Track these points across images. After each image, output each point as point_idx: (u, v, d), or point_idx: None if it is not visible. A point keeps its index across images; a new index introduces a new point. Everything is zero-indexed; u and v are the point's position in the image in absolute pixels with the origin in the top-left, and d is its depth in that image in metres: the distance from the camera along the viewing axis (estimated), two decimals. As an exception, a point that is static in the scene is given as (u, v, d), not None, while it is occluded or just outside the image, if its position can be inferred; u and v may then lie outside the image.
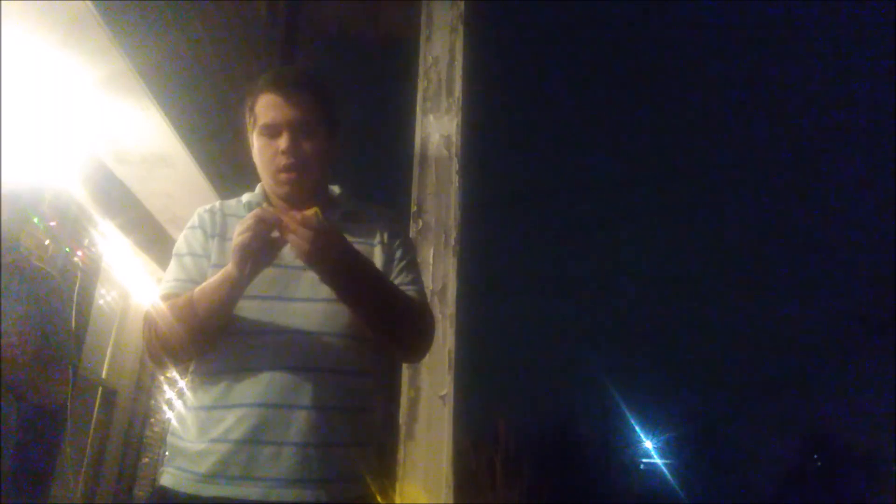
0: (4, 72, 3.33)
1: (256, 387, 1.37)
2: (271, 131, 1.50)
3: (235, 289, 1.37)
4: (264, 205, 1.56)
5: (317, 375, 1.38)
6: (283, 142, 1.49)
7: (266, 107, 1.50)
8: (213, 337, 1.40)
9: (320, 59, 8.64)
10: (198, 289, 1.40)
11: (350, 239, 1.49)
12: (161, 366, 1.47)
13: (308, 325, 1.41)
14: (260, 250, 1.33)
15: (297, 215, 1.34)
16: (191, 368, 1.46)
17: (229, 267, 1.36)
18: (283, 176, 1.51)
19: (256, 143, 1.53)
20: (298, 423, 1.35)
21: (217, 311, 1.37)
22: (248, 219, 1.33)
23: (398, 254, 1.56)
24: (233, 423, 1.35)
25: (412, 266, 1.59)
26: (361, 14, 7.74)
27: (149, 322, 1.43)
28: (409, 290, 1.52)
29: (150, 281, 5.22)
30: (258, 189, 1.61)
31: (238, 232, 1.33)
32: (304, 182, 1.52)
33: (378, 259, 1.53)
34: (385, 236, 1.57)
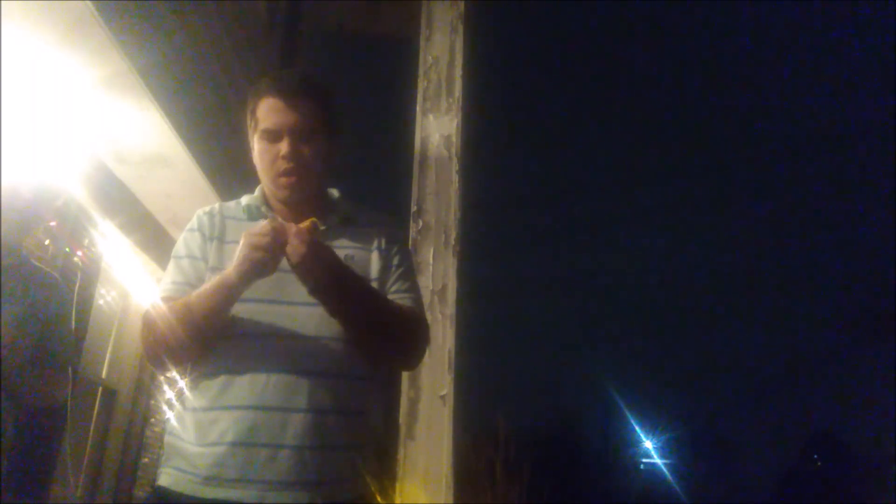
0: (4, 72, 3.33)
1: (253, 389, 1.37)
2: (272, 136, 1.50)
3: (233, 294, 1.38)
4: (263, 208, 1.57)
5: (313, 379, 1.39)
6: (283, 146, 1.49)
7: (267, 111, 1.51)
8: (210, 340, 1.41)
9: (320, 59, 8.64)
10: (195, 293, 1.41)
11: (347, 243, 1.50)
12: (159, 367, 1.48)
13: (305, 329, 1.42)
14: (268, 264, 1.35)
15: (293, 227, 1.36)
16: (189, 369, 1.47)
17: (230, 273, 1.37)
18: (283, 180, 1.51)
19: (257, 146, 1.54)
20: (294, 425, 1.35)
21: (214, 316, 1.39)
22: (264, 236, 1.34)
23: (395, 260, 1.57)
24: (229, 424, 1.36)
25: (409, 274, 1.59)
26: (361, 14, 7.74)
27: (147, 324, 1.43)
28: (405, 298, 1.53)
29: (150, 281, 5.22)
30: (257, 191, 1.61)
31: (250, 244, 1.34)
32: (303, 186, 1.53)
33: (374, 265, 1.54)
34: (382, 242, 1.57)
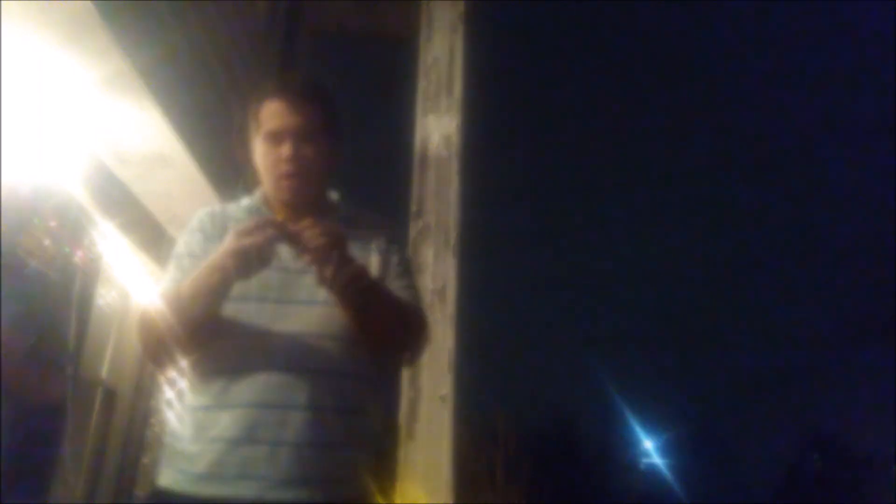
0: (4, 72, 3.33)
1: (253, 387, 1.37)
2: (275, 138, 1.51)
3: (224, 282, 1.36)
4: (264, 209, 1.58)
5: (313, 377, 1.39)
6: (285, 149, 1.50)
7: (271, 114, 1.51)
8: (202, 327, 1.40)
9: (320, 59, 8.64)
10: (186, 280, 1.40)
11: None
12: (155, 360, 1.48)
13: (306, 328, 1.42)
14: (264, 256, 1.34)
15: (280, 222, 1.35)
16: (189, 368, 1.47)
17: (224, 262, 1.35)
18: (285, 183, 1.52)
19: (259, 148, 1.54)
20: (294, 423, 1.36)
21: (203, 301, 1.37)
22: (256, 226, 1.33)
23: (395, 259, 1.58)
24: (229, 422, 1.36)
25: (408, 273, 1.61)
26: (362, 14, 7.74)
27: (142, 317, 1.44)
28: (405, 296, 1.54)
29: (150, 281, 5.22)
30: (258, 193, 1.62)
31: (242, 232, 1.33)
32: (305, 189, 1.54)
33: (375, 264, 1.55)
34: (382, 242, 1.58)
